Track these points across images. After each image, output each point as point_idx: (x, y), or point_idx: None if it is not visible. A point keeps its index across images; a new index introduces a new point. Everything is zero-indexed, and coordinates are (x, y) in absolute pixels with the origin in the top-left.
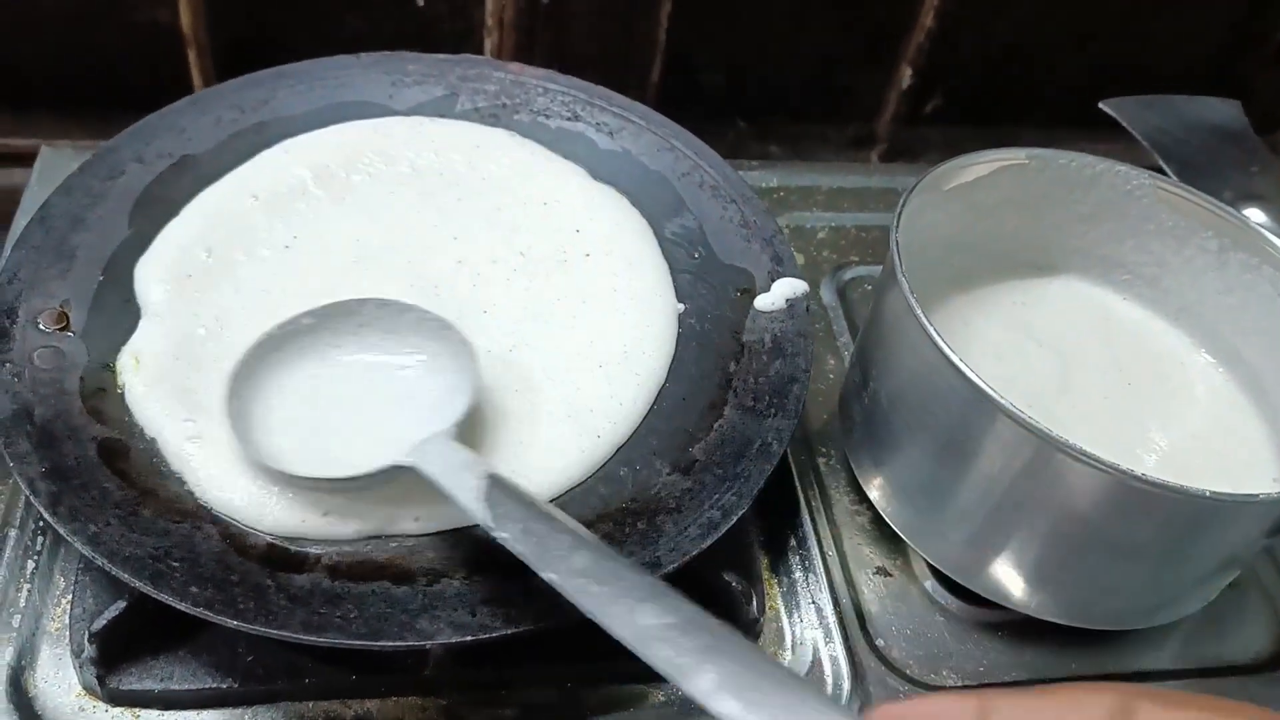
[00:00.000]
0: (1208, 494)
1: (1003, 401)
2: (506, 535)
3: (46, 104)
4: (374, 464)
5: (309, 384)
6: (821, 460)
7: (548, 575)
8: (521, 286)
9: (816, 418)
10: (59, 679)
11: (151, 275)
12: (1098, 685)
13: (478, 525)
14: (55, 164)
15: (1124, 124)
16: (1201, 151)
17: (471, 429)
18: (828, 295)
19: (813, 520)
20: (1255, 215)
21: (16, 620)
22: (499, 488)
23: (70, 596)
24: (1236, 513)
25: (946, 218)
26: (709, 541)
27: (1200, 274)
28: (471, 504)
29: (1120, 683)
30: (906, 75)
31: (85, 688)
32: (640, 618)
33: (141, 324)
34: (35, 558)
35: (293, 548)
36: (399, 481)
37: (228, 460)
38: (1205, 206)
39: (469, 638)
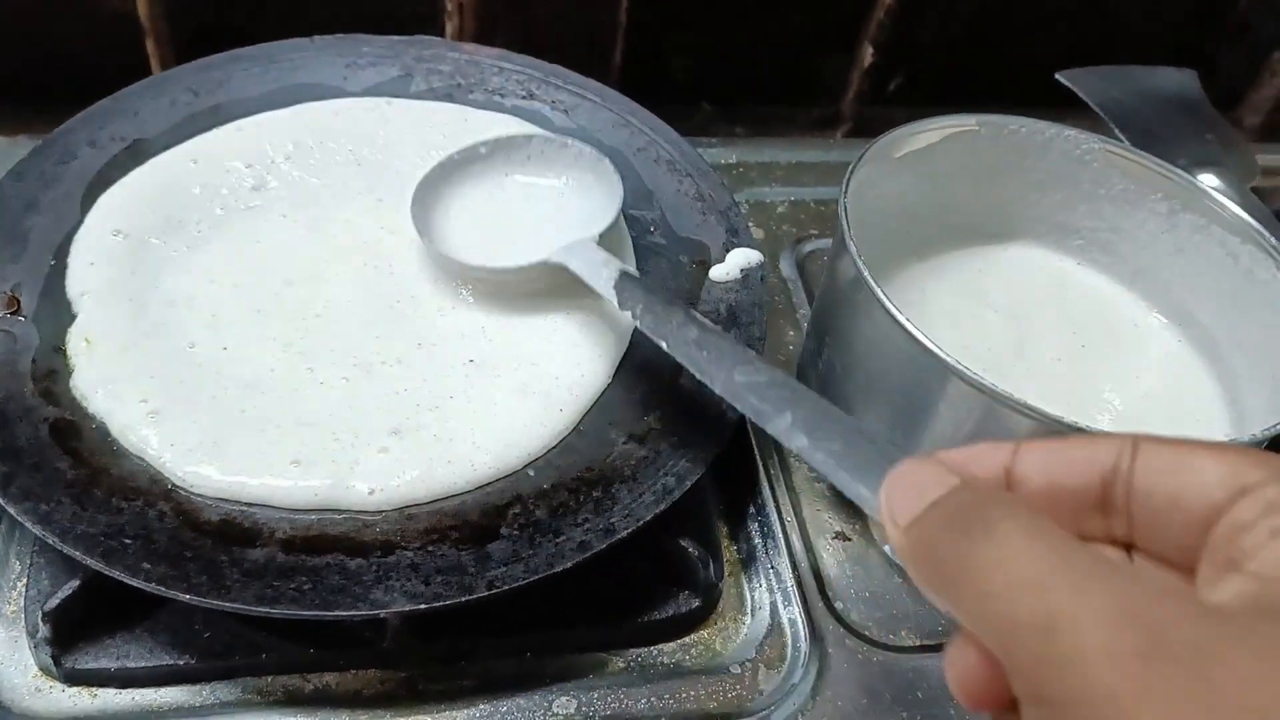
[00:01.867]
0: None
1: (951, 361)
2: (631, 313)
3: (3, 95)
4: (530, 259)
5: (482, 198)
6: None
7: (662, 342)
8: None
9: None
10: (14, 660)
11: (87, 257)
12: (1110, 433)
13: (432, 499)
14: (10, 154)
15: (1080, 94)
16: (1157, 120)
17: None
18: (787, 268)
19: (771, 488)
20: (1210, 181)
21: None
22: (628, 279)
23: (26, 579)
24: None
25: (900, 188)
26: (663, 507)
27: (1153, 237)
28: (607, 291)
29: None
30: (868, 54)
31: (41, 668)
32: (736, 376)
33: (88, 305)
34: None
35: (246, 522)
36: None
37: (190, 433)
38: (1154, 169)
39: (423, 606)
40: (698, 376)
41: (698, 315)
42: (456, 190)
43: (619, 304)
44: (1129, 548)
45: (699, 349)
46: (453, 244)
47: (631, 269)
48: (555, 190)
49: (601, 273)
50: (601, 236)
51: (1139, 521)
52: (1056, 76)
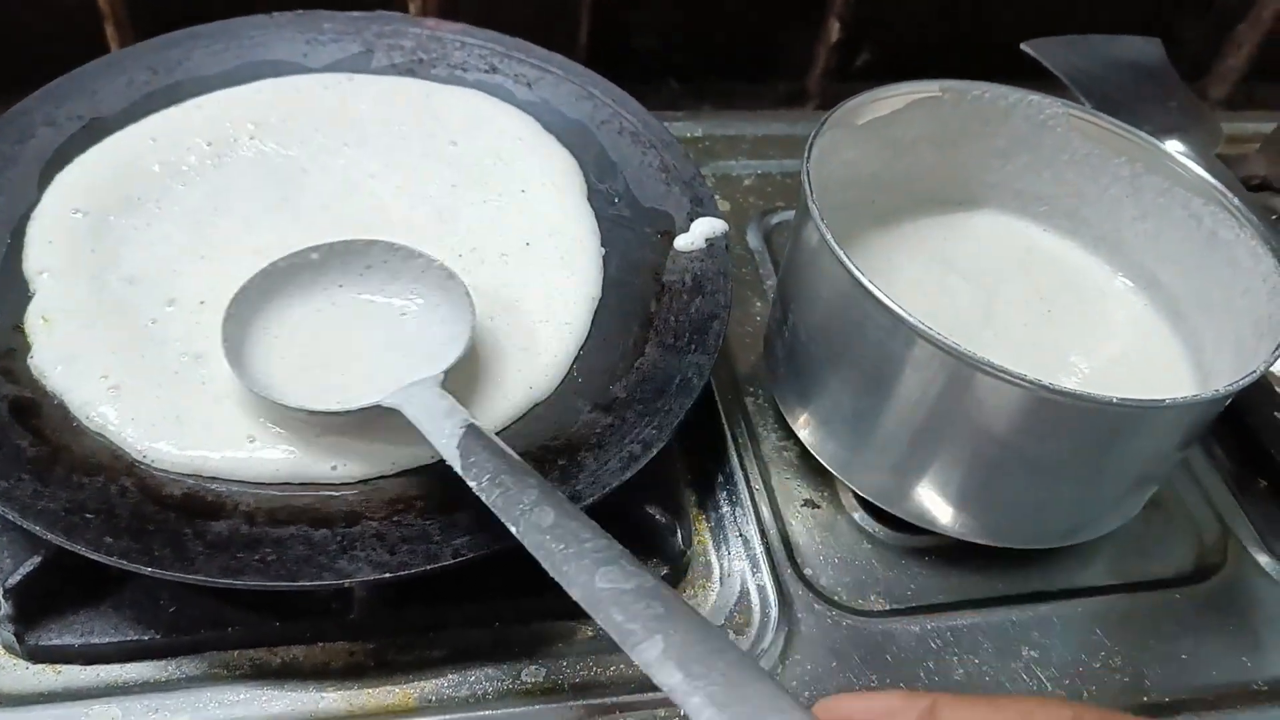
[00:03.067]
0: (1115, 400)
1: (918, 324)
2: (476, 484)
3: None
4: (359, 402)
5: (308, 318)
6: (749, 400)
7: (511, 528)
8: (447, 232)
9: (744, 360)
10: None
11: (43, 235)
12: (1050, 699)
13: (396, 471)
14: None
15: (1045, 63)
16: (1121, 88)
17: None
18: (754, 240)
19: (740, 457)
20: (1174, 147)
21: None
22: (474, 437)
23: None
24: (1145, 420)
25: (864, 155)
26: (629, 474)
27: (1116, 202)
28: (448, 450)
29: (1072, 701)
30: (835, 30)
31: (4, 646)
32: (597, 580)
33: (46, 283)
34: None
35: (209, 496)
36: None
37: (150, 408)
38: (1116, 132)
39: (388, 575)
40: (550, 574)
41: (553, 492)
42: (280, 305)
43: (461, 469)
44: None
45: (555, 541)
46: (270, 374)
47: (478, 423)
48: (396, 309)
49: (444, 426)
50: (447, 375)
51: None
52: (1022, 46)
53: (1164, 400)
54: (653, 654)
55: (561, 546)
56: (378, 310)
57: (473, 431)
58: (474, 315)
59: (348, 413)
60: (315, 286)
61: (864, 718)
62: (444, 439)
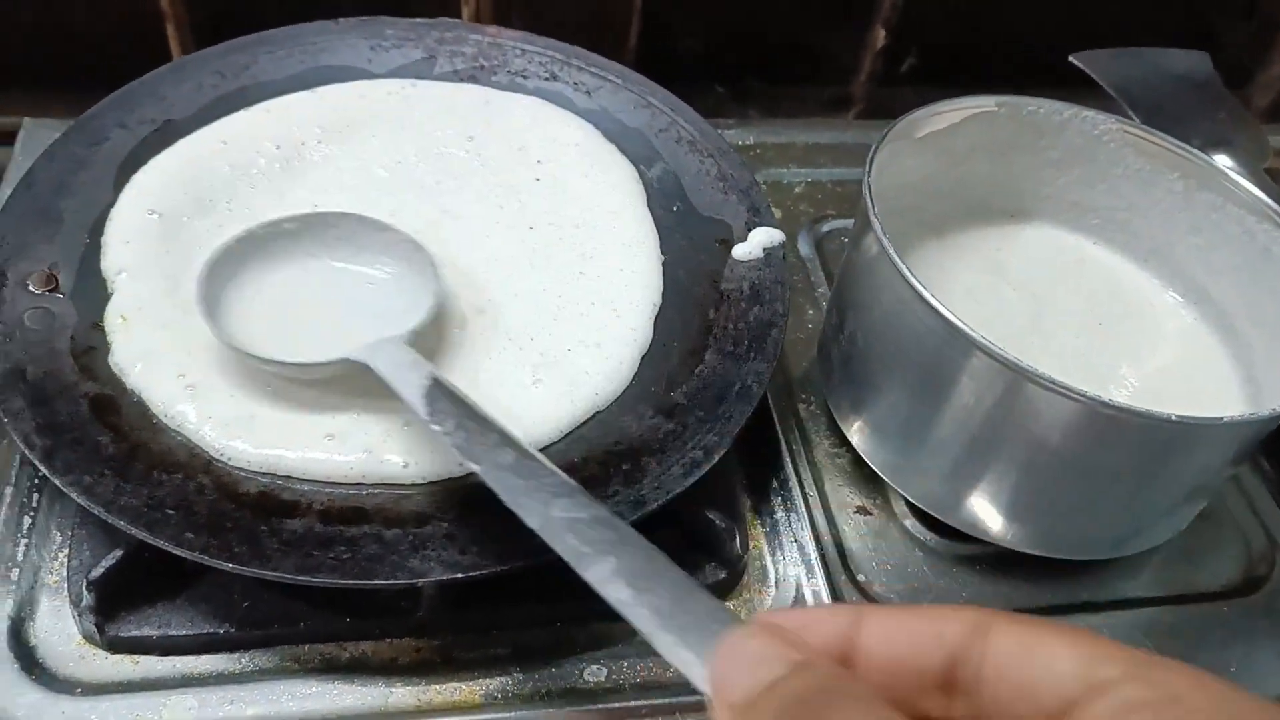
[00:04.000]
0: (1173, 418)
1: (976, 335)
2: (439, 429)
3: (25, 84)
4: (328, 355)
5: (282, 282)
6: (802, 406)
7: (473, 466)
8: (513, 238)
9: (796, 366)
10: (59, 629)
11: (120, 235)
12: (963, 605)
13: (467, 474)
14: (38, 136)
15: (1093, 75)
16: (1170, 100)
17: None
18: (805, 248)
19: (794, 463)
20: (1222, 160)
21: (15, 574)
22: (439, 388)
23: (67, 550)
24: (1201, 436)
25: (919, 165)
26: (692, 479)
27: (1168, 216)
28: (414, 399)
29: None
30: (880, 36)
31: (85, 636)
32: (553, 510)
33: (122, 282)
34: (31, 514)
35: (284, 495)
36: (361, 384)
37: (226, 406)
38: (1170, 149)
39: (460, 575)
40: (511, 508)
41: (513, 436)
42: (255, 270)
43: (428, 416)
44: None
45: (515, 476)
46: (244, 331)
47: (443, 376)
48: (366, 278)
49: (409, 377)
50: (413, 334)
51: (988, 707)
52: (1070, 58)
53: (1222, 418)
54: (604, 572)
55: (520, 482)
56: (349, 277)
57: (437, 383)
58: (438, 282)
59: (317, 365)
60: (290, 254)
61: (795, 624)
62: (409, 389)
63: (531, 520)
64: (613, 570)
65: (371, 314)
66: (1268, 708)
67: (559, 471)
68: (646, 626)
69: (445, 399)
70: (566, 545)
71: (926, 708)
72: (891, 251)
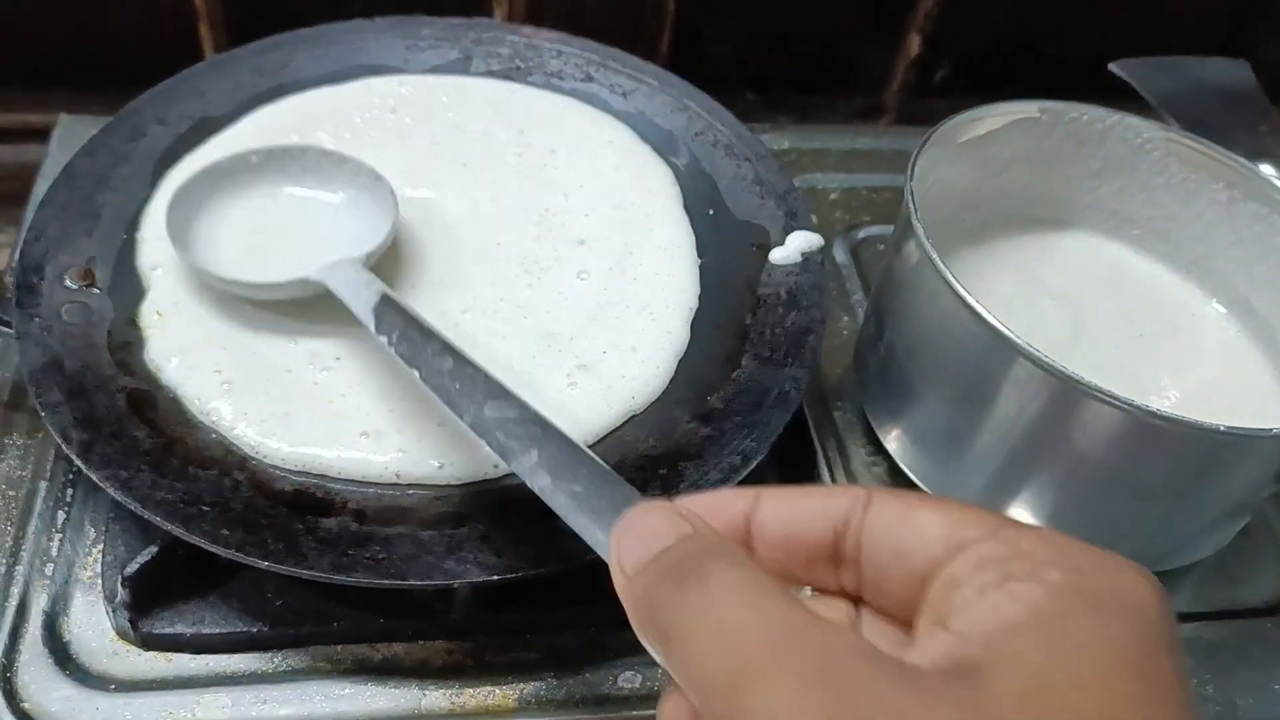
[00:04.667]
0: (1221, 429)
1: (1021, 343)
2: (386, 339)
3: (62, 82)
4: (289, 275)
5: (249, 212)
6: (837, 414)
7: (413, 372)
8: (549, 238)
9: (831, 373)
10: (93, 624)
11: (157, 231)
12: (849, 485)
13: (502, 475)
14: (74, 131)
15: (1133, 84)
16: (1211, 111)
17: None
18: (841, 255)
19: (830, 471)
20: (1268, 172)
21: (50, 569)
22: (387, 304)
23: (101, 545)
24: (1248, 449)
25: (959, 173)
26: (730, 485)
27: (1211, 226)
28: (364, 314)
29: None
30: (915, 45)
31: (119, 632)
32: (485, 410)
33: (158, 279)
34: (66, 509)
35: (319, 493)
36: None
37: (261, 404)
38: (1216, 158)
39: (495, 577)
40: (449, 410)
41: (454, 346)
42: (221, 200)
43: (375, 329)
44: (858, 601)
45: (452, 380)
46: (211, 256)
47: (393, 293)
48: (329, 207)
49: (361, 294)
50: (369, 257)
51: (866, 575)
52: (1110, 67)
53: (1272, 430)
54: (528, 463)
55: (457, 386)
56: (312, 206)
57: (387, 299)
58: (397, 211)
59: (277, 285)
60: (254, 185)
61: (698, 506)
62: (360, 304)
63: (465, 420)
64: (535, 461)
65: (332, 240)
66: (1102, 555)
67: (493, 376)
68: (565, 511)
69: (392, 313)
70: (495, 441)
71: (819, 579)
72: (935, 256)
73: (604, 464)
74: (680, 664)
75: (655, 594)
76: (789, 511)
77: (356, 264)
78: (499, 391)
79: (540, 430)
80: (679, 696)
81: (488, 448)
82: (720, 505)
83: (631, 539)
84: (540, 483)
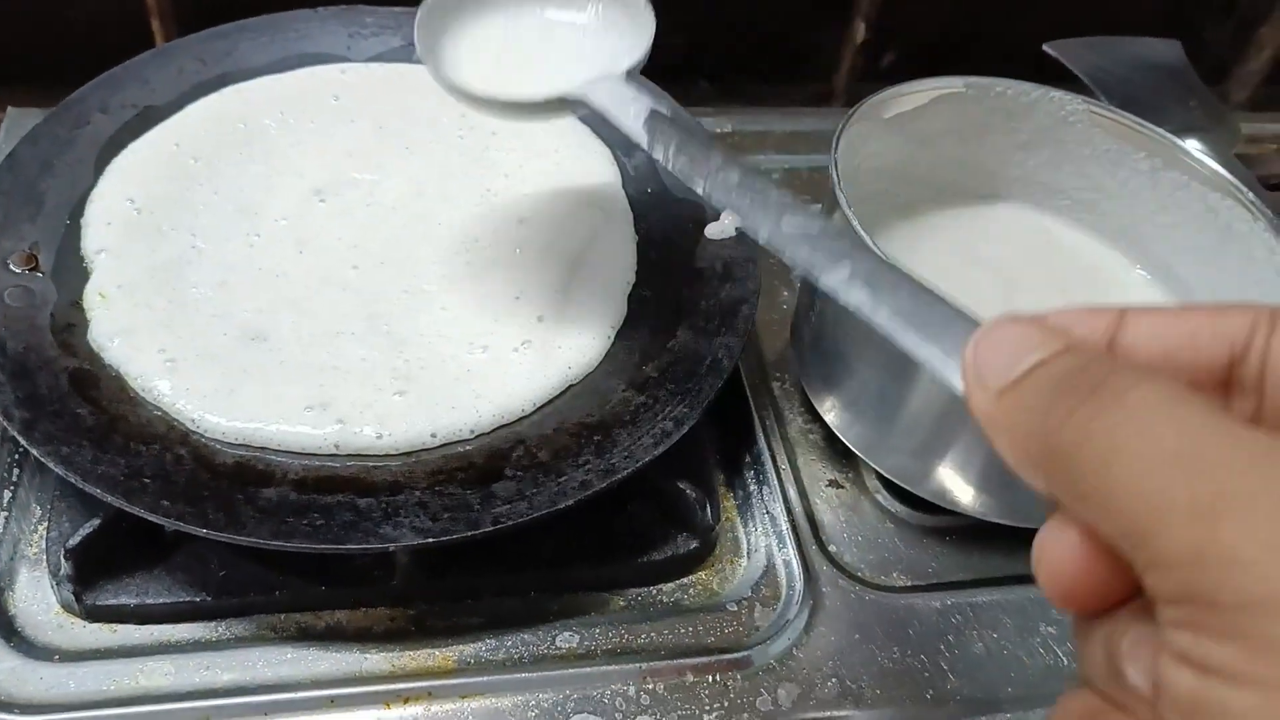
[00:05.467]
0: None
1: None
2: (662, 155)
3: (12, 77)
4: (549, 91)
5: (497, 29)
6: (776, 385)
7: (698, 185)
8: (493, 218)
9: (771, 347)
10: (37, 598)
11: (101, 217)
12: (1238, 302)
13: (439, 444)
14: (22, 124)
15: (1067, 64)
16: (1143, 88)
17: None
18: None
19: (767, 439)
20: (1193, 146)
21: None
22: (659, 118)
23: (47, 523)
24: None
25: (889, 148)
26: (662, 449)
27: (1135, 195)
28: (635, 129)
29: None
30: (861, 31)
31: (63, 605)
32: (785, 225)
33: (102, 262)
34: (11, 488)
35: (260, 465)
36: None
37: (204, 381)
38: (1136, 129)
39: (431, 540)
40: (740, 222)
41: (741, 160)
42: (468, 18)
43: (648, 144)
44: None
45: (742, 194)
46: (462, 73)
47: (664, 106)
48: (579, 25)
49: (629, 109)
50: (629, 74)
51: (1275, 404)
52: (1044, 47)
53: None
54: (839, 277)
55: (748, 200)
56: (563, 25)
57: (656, 114)
58: (654, 23)
59: (537, 102)
60: (505, 4)
61: (1059, 320)
62: (629, 119)
63: (761, 234)
64: (848, 275)
65: (586, 58)
66: None
67: (788, 193)
68: (889, 326)
69: (666, 125)
70: (799, 255)
71: None
72: (857, 225)
73: (920, 280)
74: (1101, 492)
75: (1050, 411)
76: (1170, 330)
77: (618, 79)
78: (797, 205)
79: (850, 244)
80: (1066, 527)
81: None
82: (1078, 321)
83: (994, 350)
84: (857, 298)
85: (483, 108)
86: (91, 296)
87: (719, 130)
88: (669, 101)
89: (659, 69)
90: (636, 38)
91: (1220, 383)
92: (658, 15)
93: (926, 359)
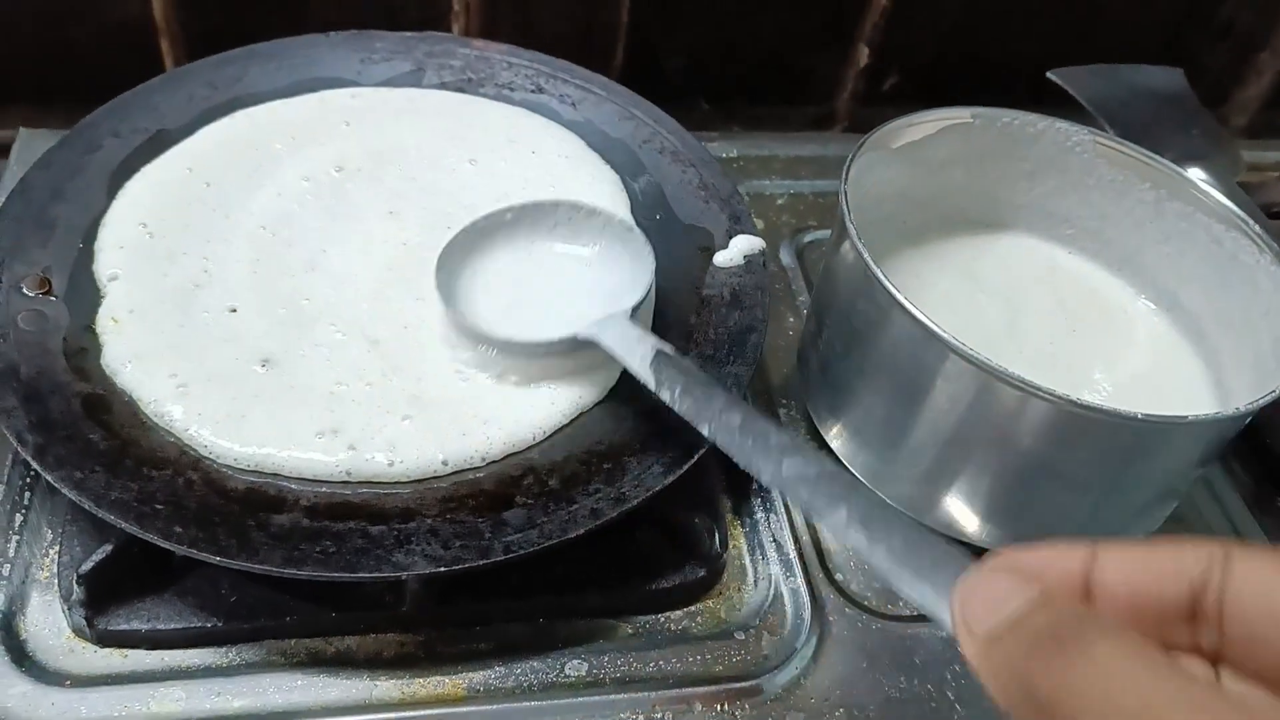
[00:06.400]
0: (1139, 416)
1: (949, 337)
2: (669, 396)
3: (23, 99)
4: (560, 332)
5: (507, 268)
6: (782, 411)
7: (704, 428)
8: None
9: (777, 373)
10: (49, 622)
11: (113, 241)
12: (1199, 539)
13: (451, 471)
14: (32, 146)
15: (1070, 91)
16: (1145, 116)
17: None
18: (787, 258)
19: None
20: (1196, 174)
21: (6, 569)
22: (664, 358)
23: (58, 546)
24: (1167, 435)
25: (896, 176)
26: (672, 477)
27: (1140, 225)
28: (641, 370)
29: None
30: (864, 55)
31: (75, 630)
32: (785, 469)
33: (114, 287)
34: (23, 511)
35: (272, 491)
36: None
37: (215, 407)
38: (1141, 159)
39: (443, 568)
40: (740, 465)
41: (742, 401)
42: (482, 257)
43: (655, 385)
44: (1215, 660)
45: (744, 437)
46: (478, 314)
47: (667, 347)
48: (583, 260)
49: (636, 350)
50: (634, 311)
51: (1231, 636)
52: (1048, 74)
53: (1187, 417)
54: (838, 520)
55: (749, 442)
56: (567, 261)
57: (662, 354)
58: (654, 260)
59: (550, 343)
60: (511, 242)
61: (1032, 562)
62: (637, 361)
63: (764, 478)
64: (845, 518)
65: (590, 293)
66: None
67: (783, 430)
68: (883, 566)
69: (671, 368)
70: (800, 498)
71: (1171, 638)
72: (866, 255)
73: (912, 519)
74: None
75: (1028, 664)
76: (1138, 571)
77: (623, 318)
78: (794, 446)
79: (843, 486)
80: None
81: (437, 448)
82: (1055, 561)
83: (977, 602)
84: (855, 540)
85: (500, 347)
86: (104, 321)
87: (723, 155)
88: (669, 345)
89: (661, 90)
90: (638, 270)
91: (1187, 615)
92: (658, 37)
93: (920, 598)
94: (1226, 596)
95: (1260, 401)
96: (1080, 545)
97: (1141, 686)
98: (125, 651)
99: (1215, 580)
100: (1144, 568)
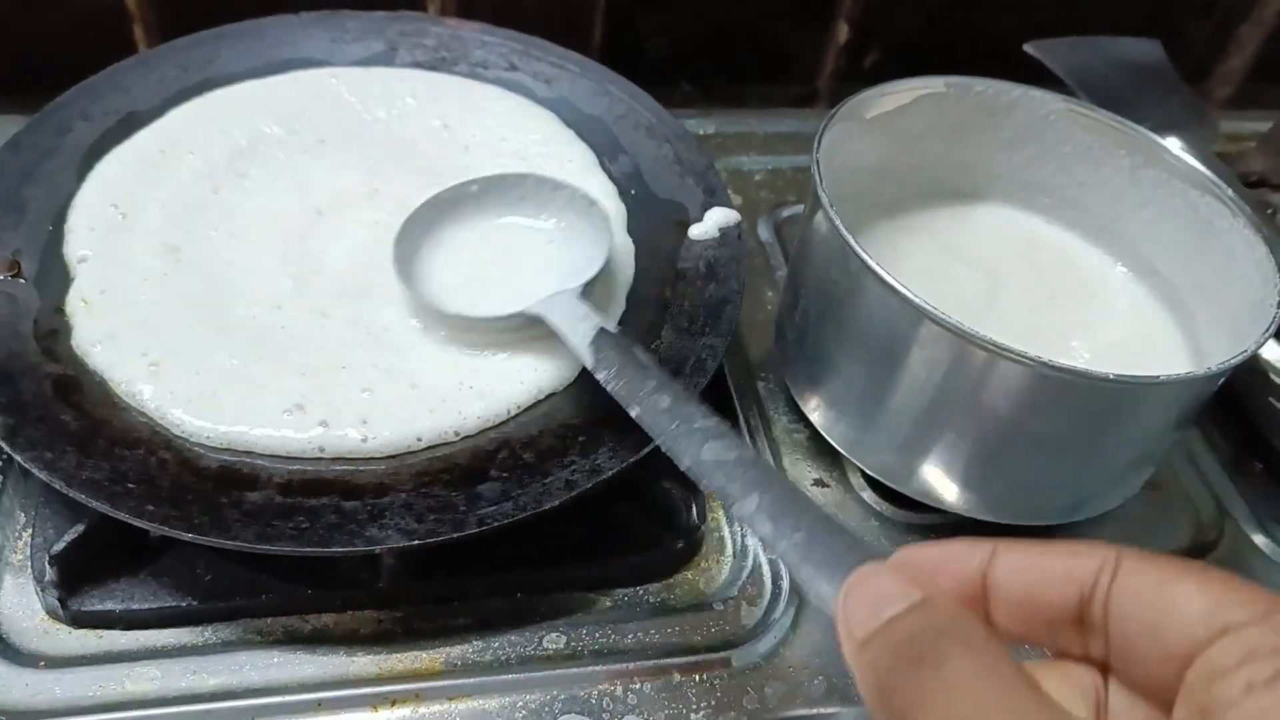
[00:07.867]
0: (1111, 377)
1: (923, 304)
2: (604, 375)
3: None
4: (509, 309)
5: (469, 242)
6: (761, 385)
7: (633, 410)
8: None
9: (756, 347)
10: (22, 604)
11: (83, 223)
12: (1095, 541)
13: (425, 446)
14: (2, 131)
15: (1048, 64)
16: (1123, 87)
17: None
18: (765, 233)
19: (752, 438)
20: (1173, 143)
21: None
22: (604, 337)
23: (31, 529)
24: (1141, 397)
25: (872, 147)
26: (647, 449)
27: (1117, 193)
28: (581, 348)
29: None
30: (843, 31)
31: (48, 611)
32: (705, 453)
33: (84, 268)
34: None
35: (245, 469)
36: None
37: (187, 385)
38: (1116, 126)
39: (416, 541)
40: (664, 450)
41: (674, 384)
42: (444, 230)
43: (593, 365)
44: (1105, 669)
45: (669, 420)
46: (433, 288)
47: (609, 326)
48: (545, 233)
49: (578, 329)
50: (586, 287)
51: (1116, 646)
52: (1025, 47)
53: (1159, 377)
54: (749, 508)
55: (674, 425)
56: (529, 234)
57: (603, 333)
58: (611, 237)
59: (499, 318)
60: (476, 214)
61: (930, 559)
62: (577, 339)
63: (684, 462)
64: (755, 507)
65: (548, 268)
66: None
67: (710, 413)
68: (787, 559)
69: (610, 348)
70: (715, 485)
71: (1062, 644)
72: (839, 223)
73: (826, 511)
74: None
75: (888, 673)
76: (1030, 570)
77: (572, 296)
78: (718, 432)
79: (759, 474)
80: None
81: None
82: (953, 558)
83: (859, 602)
84: (762, 530)
85: (449, 322)
86: (74, 302)
87: (701, 132)
88: (614, 325)
89: (642, 70)
90: (596, 246)
91: (1075, 620)
92: (640, 16)
93: (817, 594)
94: (1110, 604)
95: (1231, 362)
96: (981, 543)
97: (985, 708)
98: (100, 632)
99: (1103, 586)
100: (1038, 569)
